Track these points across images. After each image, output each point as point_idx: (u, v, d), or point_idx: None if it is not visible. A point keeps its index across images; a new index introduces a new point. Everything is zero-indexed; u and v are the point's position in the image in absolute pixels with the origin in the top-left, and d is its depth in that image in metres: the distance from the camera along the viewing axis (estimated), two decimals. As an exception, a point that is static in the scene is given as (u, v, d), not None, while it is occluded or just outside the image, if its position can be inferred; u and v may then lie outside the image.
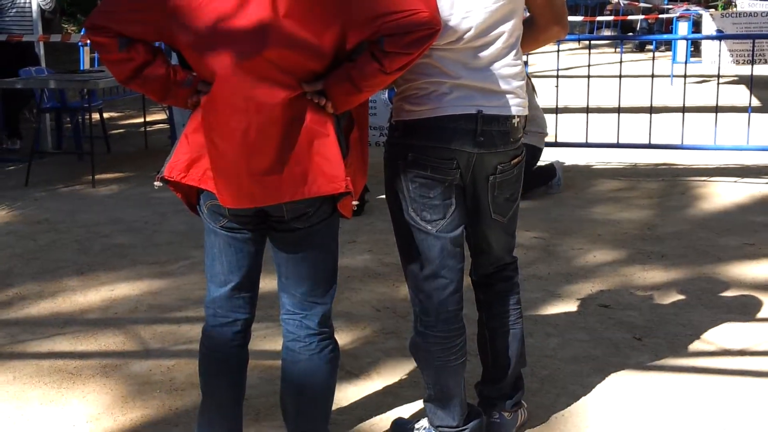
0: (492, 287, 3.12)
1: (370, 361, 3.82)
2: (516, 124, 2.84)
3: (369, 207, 6.15)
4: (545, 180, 6.63)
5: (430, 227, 2.84)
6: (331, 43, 2.44)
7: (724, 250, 5.26)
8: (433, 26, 2.43)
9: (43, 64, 8.91)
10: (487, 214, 2.94)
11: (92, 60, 10.03)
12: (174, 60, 2.64)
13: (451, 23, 2.68)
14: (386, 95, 6.07)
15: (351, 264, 5.03)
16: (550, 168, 6.72)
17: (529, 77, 6.37)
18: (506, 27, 2.76)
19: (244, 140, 2.46)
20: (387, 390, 3.57)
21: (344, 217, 2.69)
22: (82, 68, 9.33)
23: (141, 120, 9.51)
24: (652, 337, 4.02)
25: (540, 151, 6.58)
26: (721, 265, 5.00)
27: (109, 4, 2.53)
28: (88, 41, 9.16)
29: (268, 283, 2.93)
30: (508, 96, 2.80)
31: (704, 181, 7.06)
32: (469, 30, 2.70)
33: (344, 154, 2.57)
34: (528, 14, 2.91)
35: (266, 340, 3.94)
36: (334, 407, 2.90)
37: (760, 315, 4.29)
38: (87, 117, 8.48)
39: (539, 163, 6.66)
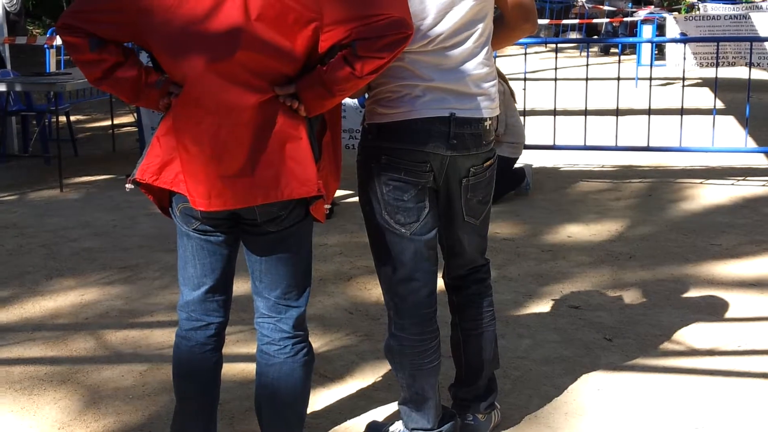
0: (465, 289, 3.13)
1: (344, 365, 3.83)
2: (488, 126, 2.86)
3: (339, 210, 6.16)
4: (515, 184, 6.67)
5: (403, 230, 2.85)
6: (303, 47, 2.45)
7: (691, 250, 5.33)
8: (405, 30, 2.43)
9: (9, 67, 8.81)
10: (460, 216, 2.96)
11: (58, 62, 9.95)
12: (145, 60, 2.63)
13: (423, 26, 2.69)
14: (356, 101, 6.08)
15: (323, 267, 5.03)
16: (519, 172, 6.76)
17: (507, 82, 6.42)
18: (477, 26, 2.78)
19: (215, 143, 2.46)
20: (361, 393, 3.58)
21: (317, 220, 2.70)
22: (48, 71, 9.24)
23: (108, 123, 9.44)
24: (622, 337, 4.06)
25: (515, 161, 6.63)
26: (689, 265, 5.06)
27: (81, 3, 2.52)
28: (54, 44, 9.10)
29: (241, 287, 2.93)
30: (479, 98, 2.82)
31: (672, 182, 7.14)
32: (441, 33, 2.72)
33: (317, 157, 2.58)
34: (498, 12, 2.93)
35: (240, 344, 3.93)
36: (308, 411, 2.90)
37: (728, 315, 4.35)
38: (54, 120, 8.39)
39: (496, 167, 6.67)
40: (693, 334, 4.09)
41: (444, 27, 2.72)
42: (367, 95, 2.87)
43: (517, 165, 6.78)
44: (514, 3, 2.87)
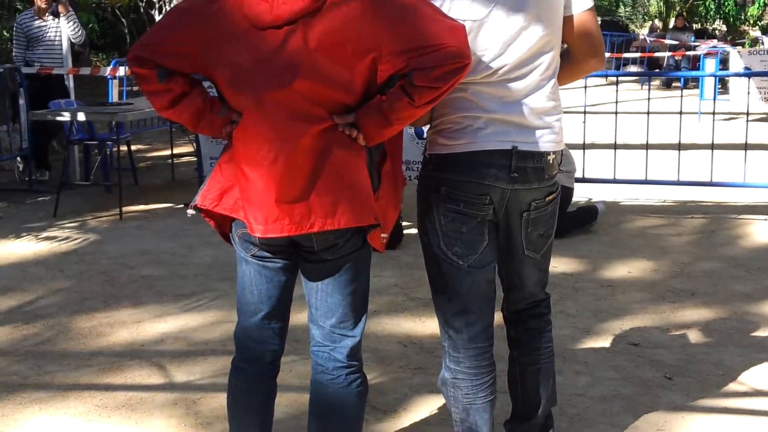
0: (524, 324, 3.08)
1: (397, 397, 3.79)
2: (551, 161, 2.82)
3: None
4: (587, 221, 6.57)
5: (461, 262, 2.81)
6: (361, 77, 2.46)
7: (755, 288, 5.20)
8: (461, 60, 2.43)
9: (73, 97, 9.00)
10: (520, 250, 2.91)
11: (121, 93, 10.14)
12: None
13: (486, 57, 2.67)
14: (412, 130, 6.07)
15: (378, 298, 5.00)
16: (592, 209, 6.66)
17: None
18: (543, 59, 2.75)
19: (273, 170, 2.48)
20: (414, 427, 3.54)
21: (376, 250, 2.68)
22: (110, 101, 9.42)
23: (168, 152, 9.57)
24: (683, 376, 3.96)
25: (571, 190, 6.54)
26: (752, 303, 4.93)
27: (150, 37, 2.61)
28: (117, 74, 9.28)
29: (296, 316, 2.92)
30: (543, 131, 2.78)
31: (734, 218, 6.99)
32: (505, 64, 2.69)
33: (375, 186, 2.58)
34: (565, 47, 2.90)
35: (292, 374, 3.91)
36: (360, 443, 2.87)
37: (793, 355, 4.22)
38: (115, 149, 8.54)
39: (580, 204, 6.60)
40: (756, 375, 3.97)
41: (508, 59, 2.70)
42: (428, 125, 2.85)
43: (591, 202, 6.68)
44: (581, 35, 2.82)
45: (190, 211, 2.67)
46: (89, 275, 5.67)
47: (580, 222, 6.54)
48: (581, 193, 7.43)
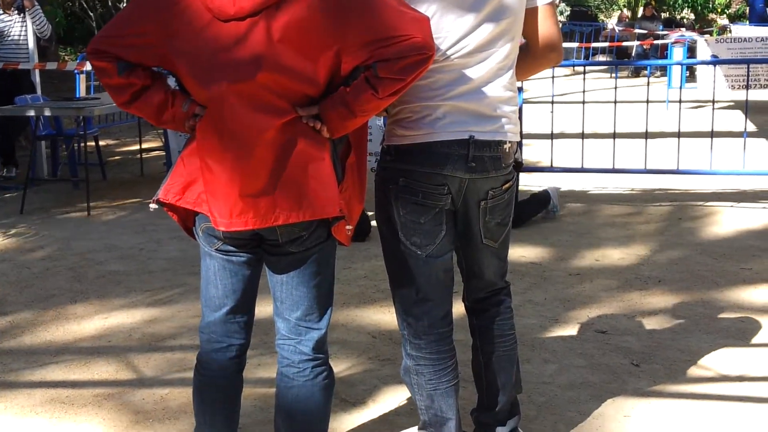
0: (485, 312, 3.09)
1: (366, 389, 3.79)
2: (507, 149, 2.84)
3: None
4: (540, 207, 6.62)
5: (419, 252, 2.83)
6: (325, 69, 2.45)
7: (721, 275, 5.24)
8: (426, 51, 2.42)
9: (39, 92, 8.92)
10: (478, 238, 2.93)
11: (88, 88, 10.05)
12: (172, 83, 2.65)
13: (446, 42, 2.68)
14: (381, 121, 6.07)
15: (346, 290, 5.00)
16: (544, 194, 6.70)
17: None
18: (501, 47, 2.75)
19: (237, 163, 2.46)
20: (382, 418, 3.54)
21: (341, 243, 2.68)
22: (78, 96, 9.34)
23: (137, 147, 9.52)
24: (650, 362, 3.99)
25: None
26: (718, 290, 4.98)
27: (110, 29, 2.56)
28: (84, 69, 9.20)
29: (261, 310, 2.91)
30: (500, 120, 2.79)
31: (701, 206, 7.05)
32: (463, 47, 2.69)
33: (339, 178, 2.58)
34: (524, 41, 2.91)
35: (260, 368, 3.90)
36: (328, 435, 2.86)
37: (758, 340, 4.26)
38: (83, 144, 8.48)
39: (533, 190, 6.65)
40: (722, 360, 4.00)
41: (464, 44, 2.70)
42: (388, 115, 2.85)
43: (542, 188, 6.73)
44: (542, 29, 2.83)
45: (153, 206, 2.64)
46: (56, 271, 5.63)
47: (533, 209, 6.56)
48: (549, 183, 7.46)
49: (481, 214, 2.87)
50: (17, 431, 3.47)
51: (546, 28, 2.85)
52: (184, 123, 2.57)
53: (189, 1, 2.45)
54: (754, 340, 4.26)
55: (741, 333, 4.34)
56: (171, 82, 2.65)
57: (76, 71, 9.65)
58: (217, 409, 2.81)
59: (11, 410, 3.65)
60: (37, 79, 9.03)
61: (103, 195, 7.87)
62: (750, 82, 8.95)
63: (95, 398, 3.74)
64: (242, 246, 2.64)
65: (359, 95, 2.46)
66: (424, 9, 2.62)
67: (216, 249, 2.66)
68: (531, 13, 2.83)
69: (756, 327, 4.39)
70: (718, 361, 4.00)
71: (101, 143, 9.24)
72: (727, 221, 6.53)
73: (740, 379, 3.82)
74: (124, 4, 14.68)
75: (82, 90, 9.74)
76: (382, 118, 5.79)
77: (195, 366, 2.82)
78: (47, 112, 7.85)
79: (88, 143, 8.63)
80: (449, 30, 2.69)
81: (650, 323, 4.49)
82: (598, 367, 3.95)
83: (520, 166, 3.01)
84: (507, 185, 2.90)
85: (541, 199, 6.65)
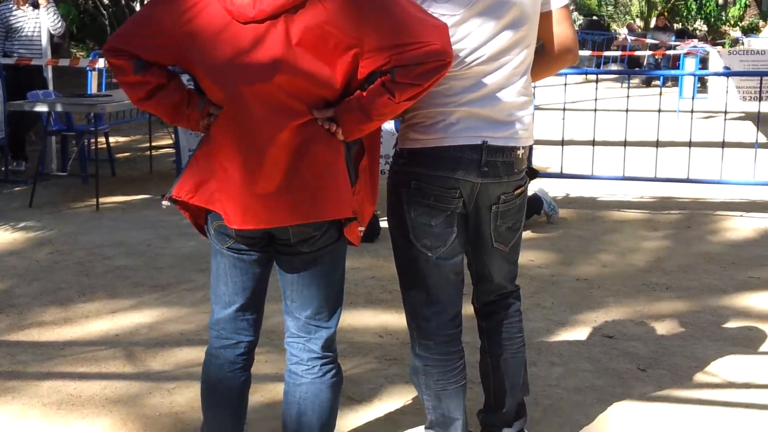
0: (494, 315, 3.10)
1: (372, 388, 3.79)
2: (520, 155, 2.85)
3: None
4: (531, 212, 6.53)
5: (430, 254, 2.84)
6: (342, 73, 2.46)
7: (729, 283, 5.23)
8: (444, 58, 2.44)
9: (51, 88, 8.94)
10: (489, 242, 2.93)
11: (100, 84, 10.08)
12: (186, 81, 2.66)
13: (462, 52, 2.69)
14: (392, 125, 6.07)
15: (354, 290, 5.01)
16: (534, 198, 6.61)
17: None
18: (517, 54, 2.77)
19: (251, 163, 2.48)
20: (389, 417, 3.54)
21: (351, 244, 2.68)
22: (89, 92, 9.36)
23: (147, 144, 9.53)
24: (656, 368, 3.98)
25: None
26: (726, 297, 4.97)
27: (127, 28, 2.58)
28: (96, 66, 9.23)
29: (269, 308, 2.92)
30: (513, 126, 2.80)
31: (710, 214, 7.03)
32: (479, 57, 2.71)
33: (352, 180, 2.59)
34: (540, 43, 2.92)
35: (267, 365, 3.91)
36: (334, 433, 2.87)
37: (765, 348, 4.25)
38: (93, 140, 8.50)
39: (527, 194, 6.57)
40: (729, 367, 4.00)
41: (483, 52, 2.71)
42: (401, 120, 2.86)
43: (530, 193, 6.67)
44: (558, 31, 2.86)
45: (165, 203, 2.65)
46: (64, 265, 5.64)
47: (528, 212, 6.48)
48: (558, 190, 7.47)
49: (492, 219, 2.88)
50: (23, 423, 3.48)
51: (562, 30, 2.87)
52: (198, 122, 2.59)
53: (208, 3, 2.46)
54: (761, 348, 4.25)
55: (748, 341, 4.33)
56: (183, 78, 2.67)
57: (88, 68, 9.68)
58: (225, 405, 2.82)
59: (19, 401, 3.66)
60: (50, 74, 9.05)
61: (112, 191, 7.88)
62: (762, 94, 8.93)
63: (102, 391, 3.75)
64: (253, 245, 2.65)
65: (376, 99, 2.48)
66: (446, 16, 2.63)
67: (227, 247, 2.67)
68: (546, 17, 2.85)
69: (763, 335, 4.39)
70: (725, 368, 3.99)
71: (111, 140, 9.26)
72: (735, 230, 6.52)
73: (746, 386, 3.81)
74: (138, 3, 14.71)
75: (93, 87, 9.77)
76: (392, 122, 5.80)
77: (203, 362, 2.83)
78: (59, 108, 7.87)
79: (99, 139, 8.65)
80: (470, 38, 2.70)
81: (657, 329, 4.48)
82: (605, 372, 3.94)
83: (536, 175, 3.02)
84: (519, 190, 2.91)
85: (533, 205, 6.59)
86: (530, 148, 2.92)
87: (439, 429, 2.99)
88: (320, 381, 2.71)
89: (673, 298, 4.97)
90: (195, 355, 4.04)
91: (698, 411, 3.59)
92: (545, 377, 3.88)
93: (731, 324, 4.56)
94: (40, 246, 6.13)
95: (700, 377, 3.91)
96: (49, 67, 9.01)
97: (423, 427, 3.14)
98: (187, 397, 3.67)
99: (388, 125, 6.07)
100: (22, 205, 7.38)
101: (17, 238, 6.37)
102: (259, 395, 3.59)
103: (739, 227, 6.61)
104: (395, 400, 3.67)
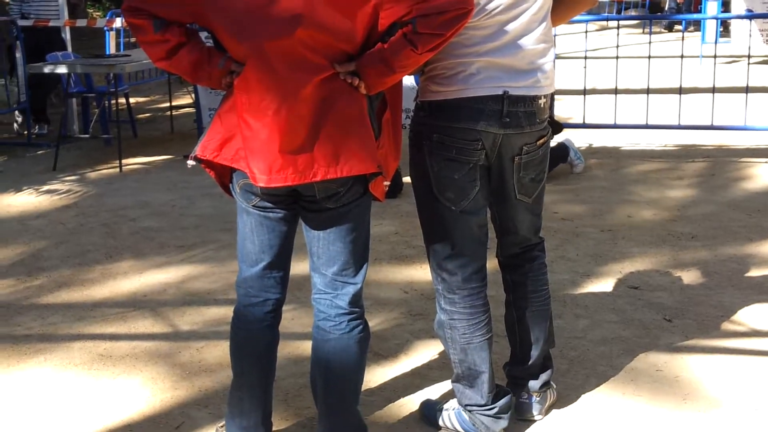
0: (519, 268, 3.10)
1: (398, 343, 3.82)
2: (542, 105, 2.83)
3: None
4: (557, 161, 6.50)
5: (453, 207, 2.84)
6: (363, 25, 2.45)
7: (755, 230, 5.21)
8: (465, 6, 2.43)
9: (70, 49, 8.93)
10: (512, 194, 2.93)
11: (118, 45, 10.06)
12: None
13: (482, 1, 2.66)
14: (412, 79, 6.03)
15: (378, 247, 5.02)
16: (560, 147, 6.59)
17: None
18: (534, 1, 2.74)
19: (276, 119, 2.48)
20: (415, 371, 3.57)
21: (377, 199, 2.69)
22: (108, 53, 9.34)
23: (167, 104, 9.53)
24: (682, 318, 3.98)
25: None
26: (752, 245, 4.95)
27: None
28: (114, 26, 9.20)
29: (296, 266, 2.94)
30: (534, 74, 2.79)
31: (735, 161, 6.98)
32: (498, 6, 2.68)
33: (376, 134, 2.59)
34: None
35: (294, 322, 3.94)
36: (362, 388, 2.89)
37: (792, 296, 4.24)
38: (113, 101, 8.51)
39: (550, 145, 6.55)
40: (755, 315, 3.99)
41: (502, 0, 2.68)
42: (421, 72, 2.85)
43: (555, 142, 6.64)
44: None
45: (191, 162, 2.66)
46: (90, 228, 5.69)
47: (553, 162, 6.47)
48: (582, 139, 7.42)
49: (515, 170, 2.87)
50: (56, 384, 3.54)
51: None
52: (220, 80, 2.58)
53: None
54: (788, 296, 4.24)
55: (774, 289, 4.32)
56: (202, 36, 2.66)
57: (105, 28, 9.64)
58: (254, 363, 2.86)
59: (50, 363, 3.72)
60: (68, 36, 9.04)
61: (135, 152, 7.91)
62: (786, 36, 8.80)
63: (133, 351, 3.80)
64: (279, 202, 2.66)
65: (398, 51, 2.47)
66: None
67: (253, 205, 2.68)
68: None
69: (790, 283, 4.37)
70: (751, 316, 3.99)
71: (132, 100, 9.26)
72: (760, 177, 6.47)
73: (774, 334, 3.81)
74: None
75: (111, 47, 9.75)
76: (412, 76, 5.77)
77: (232, 320, 2.86)
78: (79, 69, 7.87)
79: (119, 100, 8.66)
80: None
81: (683, 279, 4.48)
82: (630, 323, 3.95)
83: (560, 128, 3.00)
84: (542, 140, 2.89)
85: (559, 153, 6.57)
86: (552, 97, 2.90)
87: (466, 382, 3.01)
88: (348, 336, 2.74)
89: (698, 247, 4.95)
90: (222, 314, 4.08)
91: (725, 360, 3.59)
92: (571, 329, 3.89)
93: (757, 272, 4.54)
94: (66, 209, 6.18)
95: (726, 326, 3.90)
96: (67, 29, 9.00)
97: (449, 380, 3.16)
98: (216, 356, 3.71)
99: (408, 80, 6.03)
100: (46, 169, 7.43)
101: (42, 201, 6.41)
102: (287, 352, 3.62)
103: (765, 174, 6.55)
104: (421, 354, 3.70)
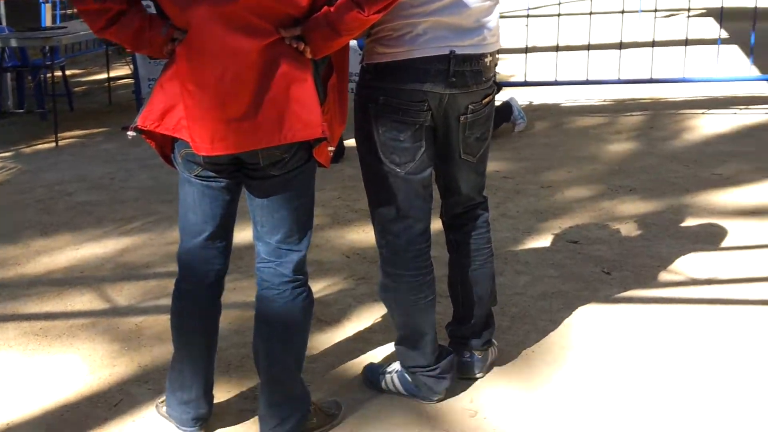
0: (463, 227, 3.10)
1: (341, 308, 3.81)
2: (488, 63, 2.81)
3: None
4: (501, 120, 6.51)
5: (398, 170, 2.81)
6: None
7: (692, 181, 5.27)
8: None
9: (4, 23, 8.71)
10: (457, 154, 2.91)
11: (53, 17, 9.84)
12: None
13: None
14: (356, 42, 5.98)
15: (320, 211, 4.98)
16: (504, 107, 6.61)
17: None
18: None
19: (219, 86, 2.43)
20: (358, 336, 3.56)
21: (322, 165, 2.66)
22: (43, 25, 9.13)
23: (105, 76, 9.36)
24: (621, 270, 4.02)
25: None
26: (688, 196, 5.01)
27: None
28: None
29: (237, 235, 2.90)
30: (481, 32, 2.76)
31: (673, 113, 7.04)
32: None
33: (321, 100, 2.55)
34: None
35: (236, 292, 3.91)
36: (306, 354, 2.87)
37: (726, 244, 4.30)
38: (49, 75, 8.33)
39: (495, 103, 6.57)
40: (692, 264, 4.04)
41: None
42: (367, 35, 2.81)
43: (500, 101, 6.66)
44: None
45: (131, 133, 2.59)
46: (25, 204, 5.57)
47: (496, 122, 6.48)
48: (523, 97, 7.43)
49: (460, 129, 2.85)
50: (-7, 364, 3.48)
51: None
52: (162, 48, 2.52)
53: None
54: (723, 244, 4.30)
55: (710, 237, 4.38)
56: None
57: (41, 0, 9.42)
58: (196, 335, 2.83)
59: (-14, 344, 3.65)
60: (1, 9, 8.82)
61: (72, 126, 7.76)
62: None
63: (69, 329, 3.74)
64: (222, 171, 2.62)
65: (344, 14, 2.43)
66: None
67: (195, 175, 2.63)
68: None
69: (724, 231, 4.43)
70: (688, 265, 4.04)
71: (68, 73, 9.09)
72: (698, 128, 6.54)
73: (709, 282, 3.86)
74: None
75: (47, 19, 9.53)
76: (357, 40, 5.71)
77: (173, 292, 2.82)
78: (13, 43, 7.67)
79: (55, 73, 8.48)
80: None
81: (621, 231, 4.52)
82: (570, 277, 3.98)
83: (499, 88, 2.98)
84: (487, 99, 2.88)
85: (502, 111, 6.57)
86: (497, 55, 2.88)
87: (408, 344, 3.01)
88: (292, 304, 2.71)
89: (636, 200, 4.99)
90: (161, 288, 4.03)
91: (663, 309, 3.64)
92: (512, 286, 3.91)
93: (693, 221, 4.60)
94: (0, 186, 6.05)
95: (664, 276, 3.95)
96: (2, 2, 8.77)
97: (393, 343, 3.15)
98: (156, 330, 3.66)
99: (352, 42, 5.98)
100: (-20, 146, 7.27)
101: (-23, 179, 6.28)
102: (228, 322, 3.59)
103: (702, 125, 6.62)
104: (364, 319, 3.69)
